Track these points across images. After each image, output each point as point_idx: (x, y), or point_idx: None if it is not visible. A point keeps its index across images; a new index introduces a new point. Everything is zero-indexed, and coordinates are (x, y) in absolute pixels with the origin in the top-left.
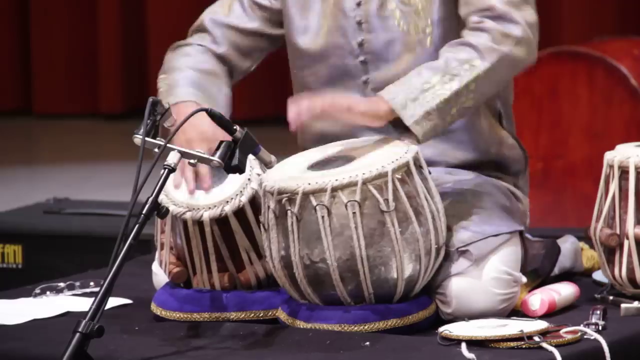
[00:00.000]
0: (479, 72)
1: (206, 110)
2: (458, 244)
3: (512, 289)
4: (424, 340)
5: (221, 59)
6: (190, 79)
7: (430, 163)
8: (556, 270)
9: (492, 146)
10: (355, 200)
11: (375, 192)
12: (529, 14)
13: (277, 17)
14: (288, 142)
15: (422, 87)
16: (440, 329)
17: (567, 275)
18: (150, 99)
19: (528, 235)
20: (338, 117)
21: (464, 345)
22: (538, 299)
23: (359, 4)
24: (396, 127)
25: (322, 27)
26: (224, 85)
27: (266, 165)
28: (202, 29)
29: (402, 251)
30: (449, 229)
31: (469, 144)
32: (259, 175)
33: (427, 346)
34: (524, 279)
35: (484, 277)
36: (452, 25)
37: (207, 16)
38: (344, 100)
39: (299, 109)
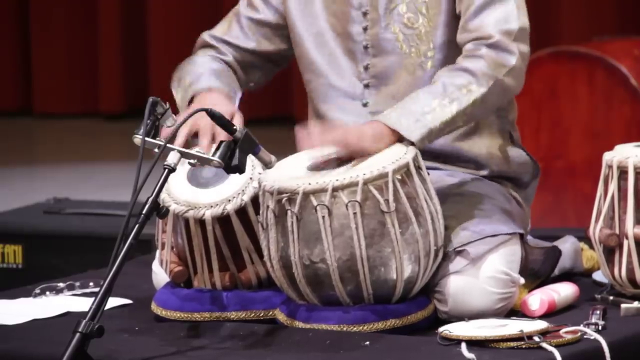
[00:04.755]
0: (476, 97)
1: (206, 110)
2: (456, 243)
3: (510, 289)
4: (424, 341)
5: (228, 65)
6: (208, 72)
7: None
8: (556, 271)
9: (493, 164)
10: (356, 201)
11: (375, 192)
12: (523, 46)
13: (275, 33)
14: (288, 142)
15: (423, 111)
16: (440, 329)
17: (567, 276)
18: (150, 99)
19: (529, 237)
20: (349, 146)
21: (463, 345)
22: (537, 299)
23: (365, 29)
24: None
25: (330, 49)
26: (236, 82)
27: (266, 165)
28: (204, 45)
29: (402, 252)
30: (448, 229)
31: (463, 164)
32: (260, 174)
33: (426, 346)
34: (522, 280)
35: (480, 276)
36: (454, 50)
37: (206, 34)
38: (354, 131)
39: (310, 135)
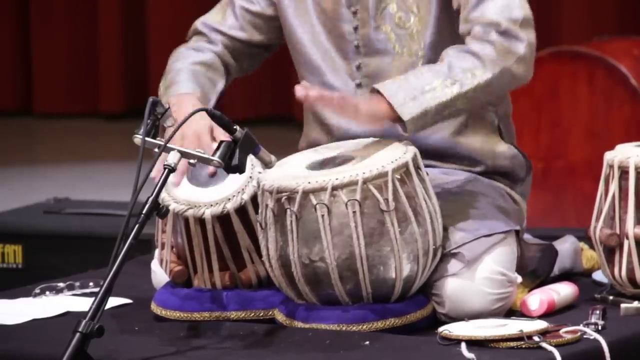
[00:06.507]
0: (479, 82)
1: (206, 110)
2: (451, 245)
3: (507, 289)
4: (424, 340)
5: (217, 55)
6: (187, 73)
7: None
8: (556, 270)
9: (488, 159)
10: (355, 200)
11: (375, 191)
12: (532, 35)
13: (268, 25)
14: (288, 142)
15: (423, 88)
16: (440, 329)
17: (566, 275)
18: (150, 99)
19: (527, 236)
20: (343, 112)
21: (463, 345)
22: (537, 299)
23: (356, 29)
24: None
25: (324, 46)
26: (219, 78)
27: (266, 165)
28: (196, 32)
29: (401, 251)
30: (443, 229)
31: (459, 161)
32: (260, 173)
33: (426, 346)
34: (519, 279)
35: (477, 278)
36: (443, 48)
37: (199, 21)
38: (352, 99)
39: (307, 91)
